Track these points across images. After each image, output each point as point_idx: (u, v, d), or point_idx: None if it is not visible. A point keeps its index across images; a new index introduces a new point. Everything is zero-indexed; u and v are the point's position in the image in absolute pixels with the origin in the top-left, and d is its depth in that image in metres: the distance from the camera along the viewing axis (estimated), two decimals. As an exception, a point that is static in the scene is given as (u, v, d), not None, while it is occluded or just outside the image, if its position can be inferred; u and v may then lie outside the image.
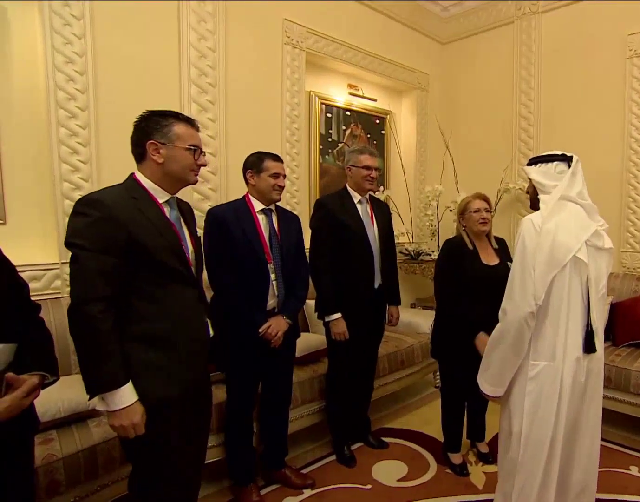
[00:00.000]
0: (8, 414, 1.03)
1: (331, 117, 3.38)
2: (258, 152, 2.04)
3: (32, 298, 1.27)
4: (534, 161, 1.59)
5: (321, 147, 3.31)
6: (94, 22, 2.20)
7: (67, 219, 1.49)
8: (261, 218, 1.98)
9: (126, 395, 1.20)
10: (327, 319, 2.25)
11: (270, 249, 1.96)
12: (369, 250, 2.29)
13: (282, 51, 2.98)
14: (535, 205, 1.57)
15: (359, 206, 2.32)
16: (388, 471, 2.27)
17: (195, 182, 1.43)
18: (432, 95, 4.13)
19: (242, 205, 1.97)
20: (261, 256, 1.91)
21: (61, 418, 1.69)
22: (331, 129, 3.38)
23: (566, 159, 1.52)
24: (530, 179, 1.59)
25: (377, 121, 3.76)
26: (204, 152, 1.41)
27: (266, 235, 1.96)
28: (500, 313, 1.48)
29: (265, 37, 2.91)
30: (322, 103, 3.30)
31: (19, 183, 2.10)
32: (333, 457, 2.40)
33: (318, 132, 3.28)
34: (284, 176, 2.04)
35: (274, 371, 2.06)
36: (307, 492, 2.11)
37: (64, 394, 1.68)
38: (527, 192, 1.67)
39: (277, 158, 2.04)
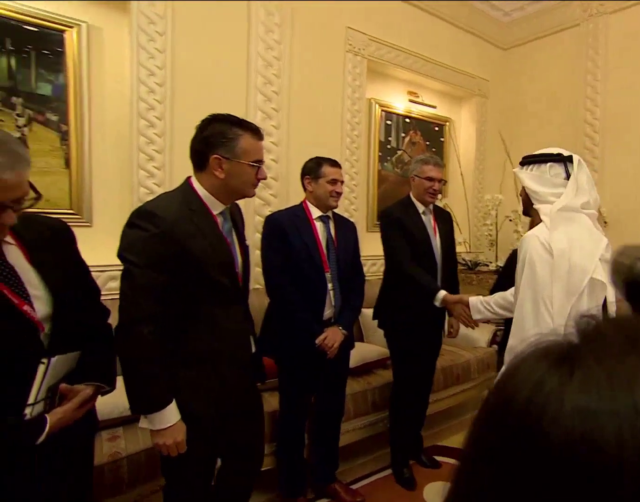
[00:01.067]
0: (59, 425, 1.03)
1: (391, 125, 3.36)
2: (316, 158, 2.02)
3: (112, 296, 1.31)
4: (525, 161, 1.36)
5: (380, 154, 3.29)
6: (174, 36, 2.33)
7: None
8: (318, 225, 1.96)
9: (170, 415, 1.19)
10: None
11: (327, 257, 1.94)
12: (432, 260, 2.23)
13: (344, 59, 3.01)
14: (527, 212, 1.40)
15: (423, 217, 2.26)
16: (440, 493, 2.18)
17: (253, 195, 1.39)
18: (492, 102, 3.99)
19: (300, 211, 1.96)
20: (319, 264, 1.90)
21: (128, 416, 1.70)
22: (390, 136, 3.36)
23: (562, 160, 1.28)
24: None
25: (436, 128, 3.69)
26: (264, 161, 1.36)
27: (323, 243, 1.94)
28: (506, 355, 1.26)
29: (328, 46, 2.94)
30: (382, 110, 3.29)
31: (105, 188, 2.26)
32: (383, 474, 2.34)
33: (377, 139, 3.26)
34: (342, 182, 2.01)
35: (328, 382, 2.03)
36: None
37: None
38: (520, 196, 1.43)
39: (335, 163, 2.01)
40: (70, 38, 2.12)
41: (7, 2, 1.96)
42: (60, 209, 2.11)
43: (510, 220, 3.62)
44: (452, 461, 2.46)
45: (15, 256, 1.04)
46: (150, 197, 2.26)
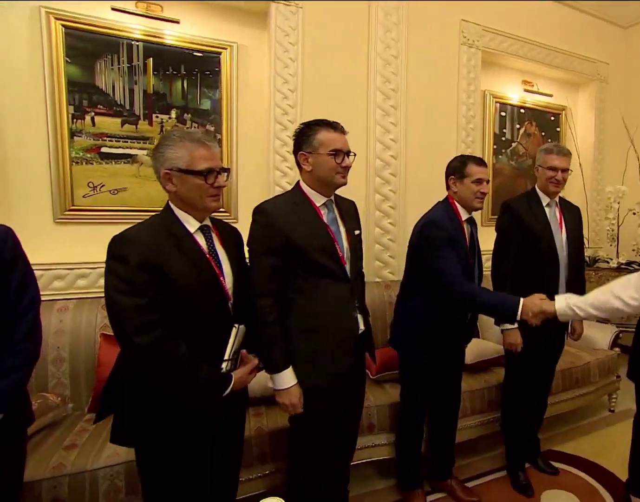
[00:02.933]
0: (238, 385, 1.26)
1: (505, 116, 3.28)
2: (461, 156, 1.97)
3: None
4: None
5: (495, 146, 3.23)
6: (304, 45, 2.51)
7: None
8: (466, 227, 1.90)
9: (286, 378, 1.39)
10: (502, 328, 2.08)
11: (472, 258, 1.90)
12: (555, 257, 2.07)
13: (458, 51, 3.00)
14: None
15: (547, 209, 2.12)
16: (560, 500, 2.07)
17: (344, 183, 1.47)
18: (612, 87, 3.69)
19: (450, 212, 1.89)
20: (466, 266, 1.86)
21: (269, 395, 1.83)
22: (505, 128, 3.28)
23: None
24: None
25: (552, 118, 3.52)
26: (351, 153, 1.47)
27: (469, 244, 1.89)
28: None
29: (442, 40, 2.96)
30: (496, 102, 3.22)
31: (247, 187, 2.53)
32: (499, 474, 2.28)
33: (492, 132, 3.21)
34: (487, 182, 1.91)
35: (447, 377, 2.03)
36: None
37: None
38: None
39: (480, 162, 1.91)
40: (225, 58, 2.41)
41: (182, 36, 2.32)
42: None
43: (634, 213, 3.34)
44: (570, 469, 2.32)
45: (215, 240, 1.31)
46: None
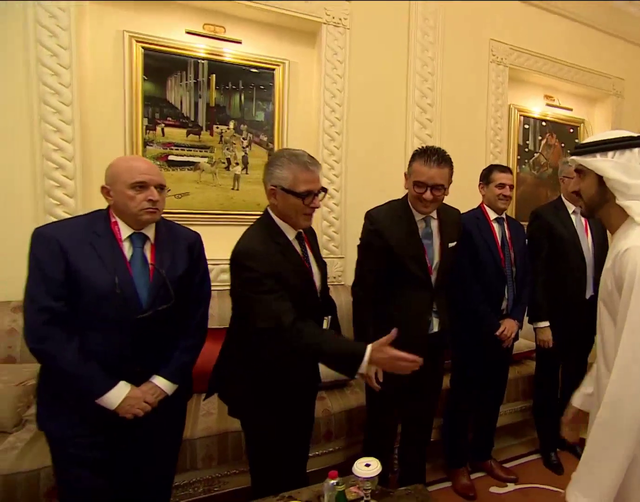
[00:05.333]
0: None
1: (528, 128, 3.50)
2: (490, 165, 2.28)
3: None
4: (596, 148, 1.06)
5: (518, 157, 3.45)
6: (350, 62, 2.73)
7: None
8: (496, 226, 2.17)
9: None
10: (534, 326, 2.33)
11: (503, 254, 2.15)
12: (582, 261, 2.29)
13: (487, 69, 3.22)
14: (593, 212, 1.14)
15: (573, 217, 2.35)
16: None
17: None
18: (627, 102, 3.91)
19: (479, 214, 2.19)
20: (498, 262, 2.11)
21: (329, 382, 2.11)
22: (528, 140, 3.50)
23: None
24: (597, 175, 1.07)
25: (571, 130, 3.73)
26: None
27: (499, 242, 2.15)
28: (606, 398, 0.95)
29: (473, 58, 3.17)
30: (520, 115, 3.44)
31: None
32: (534, 457, 2.50)
33: (516, 143, 3.42)
34: (511, 187, 2.17)
35: (492, 368, 2.24)
36: (511, 486, 2.25)
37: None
38: (576, 193, 1.18)
39: (504, 169, 2.19)
40: (278, 74, 2.62)
41: (241, 54, 2.54)
42: (266, 211, 2.64)
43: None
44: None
45: (306, 245, 1.51)
46: (329, 202, 2.73)
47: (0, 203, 2.02)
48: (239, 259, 1.32)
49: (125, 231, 1.33)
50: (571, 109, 3.72)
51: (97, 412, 1.27)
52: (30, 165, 2.04)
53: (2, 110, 2.00)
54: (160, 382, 1.37)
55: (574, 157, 1.14)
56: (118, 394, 1.28)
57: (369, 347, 1.27)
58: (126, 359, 1.32)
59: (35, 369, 1.79)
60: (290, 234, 1.43)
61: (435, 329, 1.81)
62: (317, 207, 1.42)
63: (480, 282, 2.10)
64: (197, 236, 1.53)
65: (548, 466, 2.44)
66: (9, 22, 1.96)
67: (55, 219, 2.08)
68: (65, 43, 2.02)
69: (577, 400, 1.31)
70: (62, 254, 1.24)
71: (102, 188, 1.34)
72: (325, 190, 1.43)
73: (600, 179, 1.07)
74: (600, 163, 1.05)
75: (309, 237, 1.57)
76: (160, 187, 1.36)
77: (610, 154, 1.05)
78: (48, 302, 1.22)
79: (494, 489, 2.24)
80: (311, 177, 1.37)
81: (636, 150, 1.03)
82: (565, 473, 2.37)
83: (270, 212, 1.45)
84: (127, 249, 1.33)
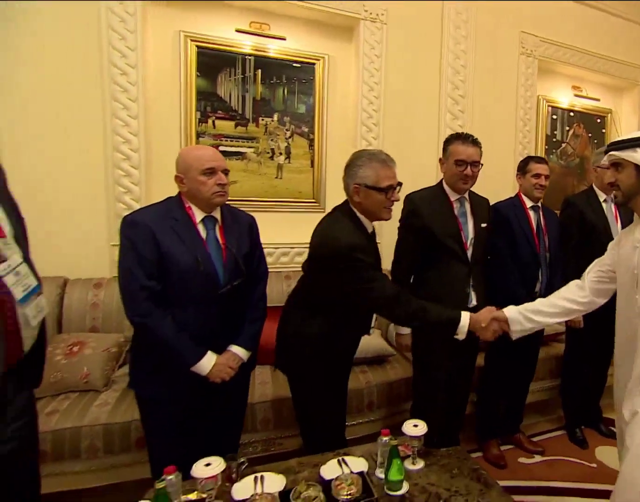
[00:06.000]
0: None
1: (556, 119, 3.59)
2: (527, 156, 2.40)
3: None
4: (636, 143, 1.24)
5: (546, 147, 3.55)
6: (388, 57, 2.86)
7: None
8: (532, 214, 2.30)
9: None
10: None
11: (538, 240, 2.28)
12: None
13: (517, 61, 3.31)
14: (628, 200, 1.32)
15: (604, 205, 2.44)
16: (613, 455, 2.23)
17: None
18: (655, 90, 3.95)
19: (517, 202, 2.32)
20: (534, 247, 2.25)
21: (370, 357, 2.31)
22: (556, 130, 3.59)
23: None
24: (636, 167, 1.24)
25: (598, 120, 3.80)
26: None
27: (535, 229, 2.29)
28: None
29: (504, 50, 3.27)
30: (548, 105, 3.53)
31: (334, 182, 2.80)
32: (559, 433, 2.63)
33: (544, 134, 3.52)
34: (547, 177, 2.28)
35: (525, 347, 2.32)
36: (538, 458, 2.38)
37: (373, 340, 2.28)
38: (611, 184, 1.37)
39: (540, 160, 2.31)
40: (318, 68, 2.77)
41: (284, 49, 2.70)
42: (307, 199, 2.82)
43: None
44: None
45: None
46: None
47: (78, 190, 2.23)
48: (348, 252, 1.44)
49: (198, 215, 1.49)
50: (598, 99, 3.78)
51: (187, 378, 1.44)
52: (103, 157, 2.24)
53: (80, 107, 2.19)
54: (238, 350, 1.55)
55: (614, 152, 1.29)
56: (208, 362, 1.45)
57: (466, 314, 1.56)
58: (209, 331, 1.48)
59: (115, 338, 2.03)
60: (369, 228, 1.61)
61: (474, 302, 1.95)
62: (397, 200, 1.55)
63: (516, 266, 2.22)
64: (253, 218, 1.70)
65: (573, 441, 2.57)
66: (87, 28, 2.15)
67: (123, 205, 2.29)
68: (133, 44, 2.21)
69: (512, 311, 1.62)
70: (153, 237, 1.38)
71: (176, 177, 1.49)
72: (400, 184, 1.55)
73: (638, 172, 1.25)
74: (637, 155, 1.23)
75: None
76: (225, 172, 1.51)
77: None
78: (145, 282, 1.37)
79: (522, 460, 2.39)
80: (391, 173, 1.51)
81: None
82: (590, 448, 2.51)
83: (352, 208, 1.57)
84: (202, 231, 1.49)
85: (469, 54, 3.10)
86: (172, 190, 2.46)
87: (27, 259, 1.14)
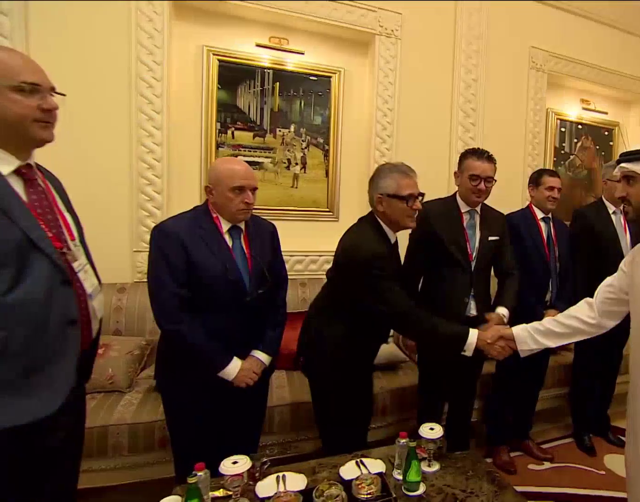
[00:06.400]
0: None
1: (564, 131, 3.65)
2: (539, 169, 2.49)
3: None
4: None
5: (555, 159, 3.61)
6: (401, 71, 2.94)
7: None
8: (542, 225, 2.38)
9: None
10: None
11: (548, 250, 2.35)
12: (621, 257, 2.45)
13: (527, 75, 3.38)
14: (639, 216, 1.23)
15: (613, 216, 2.50)
16: (622, 463, 2.42)
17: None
18: (662, 103, 4.01)
19: (528, 213, 2.40)
20: (544, 257, 2.33)
21: (382, 363, 2.35)
22: (564, 142, 3.65)
23: None
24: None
25: (606, 133, 3.87)
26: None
27: (545, 239, 2.37)
28: None
29: (513, 65, 3.34)
30: (557, 118, 3.60)
31: (347, 192, 2.97)
32: (568, 441, 2.67)
33: (553, 146, 3.59)
34: (559, 190, 2.36)
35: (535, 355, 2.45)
36: (547, 465, 2.43)
37: (385, 346, 2.28)
38: (622, 198, 1.27)
39: (553, 174, 2.39)
40: (334, 81, 2.86)
41: (301, 63, 2.79)
42: (321, 208, 2.90)
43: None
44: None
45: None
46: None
47: (103, 197, 2.31)
48: (367, 260, 1.52)
49: (225, 225, 1.55)
50: (606, 113, 3.85)
51: (212, 382, 1.50)
52: (128, 167, 2.34)
53: (108, 117, 2.29)
54: (261, 356, 1.61)
55: (625, 165, 1.22)
56: (234, 368, 1.51)
57: (474, 331, 1.60)
58: (234, 337, 1.54)
59: (137, 341, 2.11)
60: (392, 238, 1.69)
61: (473, 312, 2.00)
62: (419, 209, 1.63)
63: (527, 275, 2.27)
64: (274, 226, 1.76)
65: (581, 449, 2.61)
66: (118, 43, 2.25)
67: (145, 213, 2.38)
68: (159, 59, 2.31)
69: (520, 330, 1.59)
70: (183, 246, 1.43)
71: (206, 187, 1.55)
72: (422, 194, 1.63)
73: None
74: None
75: None
76: (254, 190, 1.55)
77: None
78: (176, 290, 1.42)
79: (531, 466, 2.44)
80: (411, 182, 1.61)
81: None
82: (598, 456, 2.54)
83: (377, 218, 1.67)
84: (228, 240, 1.55)
85: (480, 68, 3.18)
86: (192, 198, 2.55)
87: (90, 260, 1.24)
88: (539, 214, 2.40)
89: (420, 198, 1.63)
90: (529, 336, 1.57)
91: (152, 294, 1.47)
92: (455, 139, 3.10)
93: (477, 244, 2.01)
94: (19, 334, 0.98)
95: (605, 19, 3.67)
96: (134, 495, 1.84)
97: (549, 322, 1.55)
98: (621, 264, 1.38)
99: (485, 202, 2.10)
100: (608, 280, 1.44)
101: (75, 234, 1.19)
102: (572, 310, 1.52)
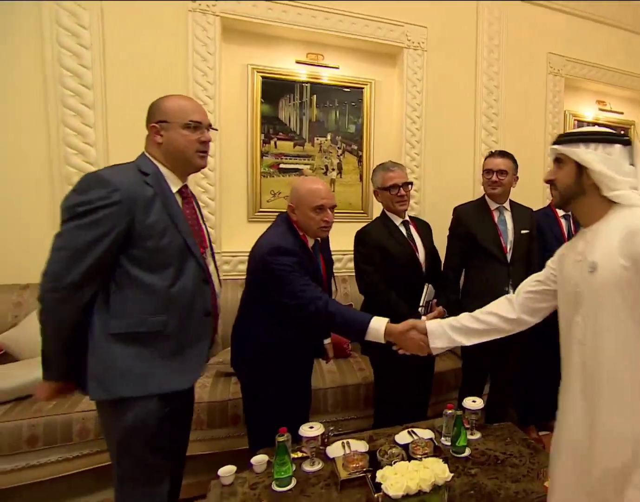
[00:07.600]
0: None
1: (582, 132, 3.82)
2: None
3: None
4: (580, 137, 1.08)
5: (573, 159, 3.78)
6: (427, 81, 3.16)
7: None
8: (563, 222, 2.57)
9: None
10: None
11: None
12: None
13: (545, 80, 3.57)
14: (567, 202, 1.12)
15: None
16: None
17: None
18: (677, 102, 4.16)
19: (549, 211, 2.60)
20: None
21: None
22: (582, 142, 3.82)
23: (629, 143, 1.08)
24: (577, 166, 1.07)
25: (622, 132, 4.01)
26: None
27: (566, 235, 2.55)
28: None
29: (532, 70, 3.53)
30: (575, 120, 3.78)
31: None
32: None
33: (571, 146, 3.76)
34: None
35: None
36: None
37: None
38: (550, 182, 1.15)
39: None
40: (366, 92, 3.09)
41: (336, 76, 3.02)
42: (356, 210, 3.14)
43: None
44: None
45: (411, 228, 2.11)
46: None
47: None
48: (357, 236, 2.11)
49: (310, 242, 1.76)
50: (622, 112, 4.01)
51: (287, 369, 1.70)
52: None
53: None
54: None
55: (556, 146, 1.12)
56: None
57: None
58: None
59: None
60: (397, 221, 2.09)
61: None
62: (403, 196, 2.01)
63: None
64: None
65: None
66: (178, 69, 2.54)
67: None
68: (212, 79, 2.57)
69: (434, 324, 1.49)
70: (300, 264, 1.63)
71: (289, 206, 1.70)
72: (410, 183, 2.07)
73: (579, 170, 1.07)
74: (585, 155, 1.05)
75: (419, 225, 2.17)
76: (333, 208, 1.71)
77: (592, 145, 1.05)
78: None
79: (558, 445, 2.66)
80: (393, 175, 2.02)
81: (617, 146, 1.05)
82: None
83: (384, 210, 2.14)
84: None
85: (501, 75, 3.38)
86: (241, 205, 2.81)
87: (215, 265, 1.50)
88: (560, 212, 2.59)
89: (410, 187, 2.03)
90: (443, 333, 1.47)
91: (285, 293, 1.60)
92: (479, 142, 3.31)
93: (510, 237, 2.22)
94: (174, 319, 1.26)
95: (619, 22, 3.83)
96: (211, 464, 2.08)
97: (465, 318, 1.47)
98: (548, 261, 1.30)
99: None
100: (535, 276, 1.36)
101: (207, 242, 1.46)
102: (491, 306, 1.45)
